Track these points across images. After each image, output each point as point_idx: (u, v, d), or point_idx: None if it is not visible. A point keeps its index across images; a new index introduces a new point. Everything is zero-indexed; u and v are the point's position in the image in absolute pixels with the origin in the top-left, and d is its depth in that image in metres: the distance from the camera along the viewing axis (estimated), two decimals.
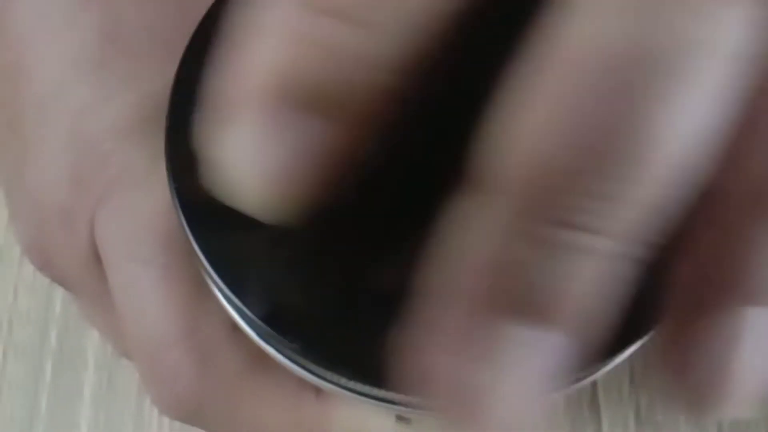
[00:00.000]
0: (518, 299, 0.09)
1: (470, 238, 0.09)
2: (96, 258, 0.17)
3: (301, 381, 0.17)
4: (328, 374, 0.13)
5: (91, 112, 0.17)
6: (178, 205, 0.14)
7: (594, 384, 0.29)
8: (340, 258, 0.13)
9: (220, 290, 0.13)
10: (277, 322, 0.13)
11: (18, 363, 0.31)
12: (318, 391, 0.17)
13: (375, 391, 0.13)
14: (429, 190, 0.11)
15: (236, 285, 0.13)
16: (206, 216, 0.13)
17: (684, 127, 0.08)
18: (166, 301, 0.16)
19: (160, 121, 0.15)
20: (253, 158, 0.09)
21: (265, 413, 0.17)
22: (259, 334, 0.13)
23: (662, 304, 0.12)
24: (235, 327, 0.15)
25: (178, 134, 0.14)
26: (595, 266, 0.09)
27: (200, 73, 0.13)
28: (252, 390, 0.16)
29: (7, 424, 0.30)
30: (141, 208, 0.16)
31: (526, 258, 0.08)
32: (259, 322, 0.13)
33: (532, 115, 0.09)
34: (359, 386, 0.13)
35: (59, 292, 0.32)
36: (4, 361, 0.31)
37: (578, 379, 0.13)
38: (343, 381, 0.13)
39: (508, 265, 0.09)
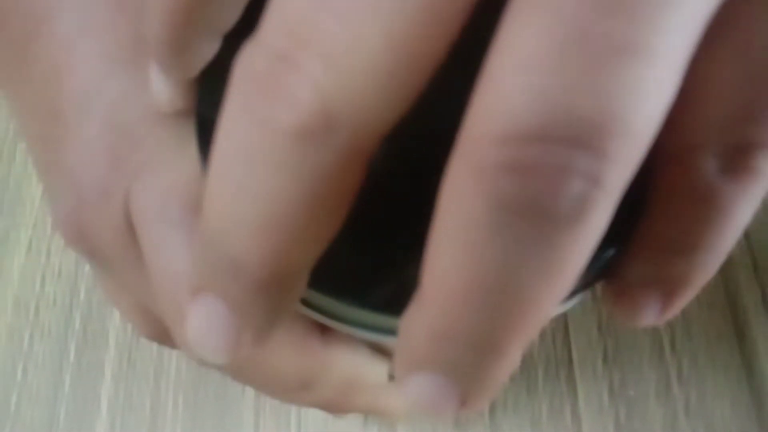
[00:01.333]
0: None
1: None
2: (129, 228, 0.20)
3: (307, 328, 0.20)
4: (333, 304, 0.14)
5: (126, 101, 0.19)
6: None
7: (570, 362, 0.31)
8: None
9: None
10: None
11: (44, 344, 0.33)
12: (323, 333, 0.20)
13: (377, 318, 0.14)
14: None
15: None
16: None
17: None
18: (190, 256, 0.18)
19: (187, 109, 0.18)
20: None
21: (275, 357, 0.19)
22: None
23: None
24: None
25: (206, 116, 0.17)
26: None
27: (227, 66, 0.15)
28: None
29: (33, 400, 0.32)
30: (170, 181, 0.19)
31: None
32: None
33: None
34: (360, 313, 0.14)
35: (84, 280, 0.35)
36: (31, 342, 0.34)
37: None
38: (345, 309, 0.14)
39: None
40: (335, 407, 0.22)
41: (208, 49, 0.16)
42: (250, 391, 0.32)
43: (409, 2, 0.09)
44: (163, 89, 0.17)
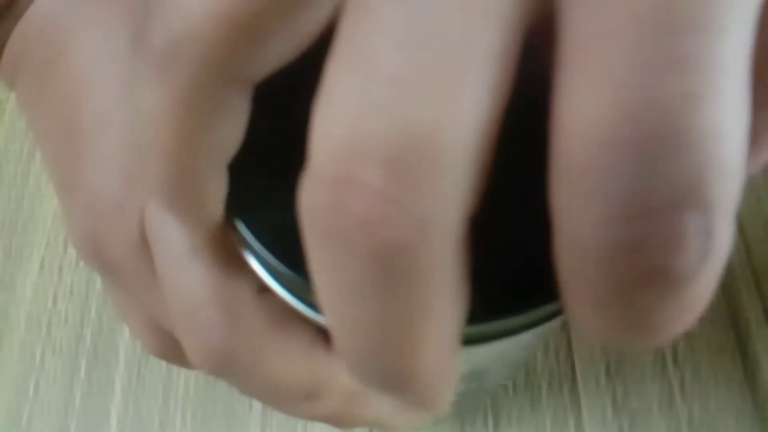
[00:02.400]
0: None
1: None
2: (144, 243, 0.20)
3: (312, 337, 0.20)
4: None
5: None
6: None
7: (573, 376, 0.32)
8: None
9: (254, 253, 0.16)
10: (305, 272, 0.14)
11: (55, 360, 0.34)
12: (328, 342, 0.20)
13: None
14: None
15: (267, 246, 0.16)
16: (242, 196, 0.16)
17: None
18: (202, 268, 0.19)
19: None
20: None
21: (282, 365, 0.20)
22: (286, 289, 0.16)
23: None
24: (259, 290, 0.18)
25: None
26: None
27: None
28: (271, 344, 0.20)
29: (44, 415, 0.33)
30: None
31: None
32: (288, 274, 0.15)
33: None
34: None
35: (95, 298, 0.35)
36: (43, 358, 0.34)
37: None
38: None
39: None
40: (341, 419, 0.23)
41: (217, 186, 0.15)
42: (257, 407, 0.33)
43: (457, 92, 0.09)
44: (183, 239, 0.18)
